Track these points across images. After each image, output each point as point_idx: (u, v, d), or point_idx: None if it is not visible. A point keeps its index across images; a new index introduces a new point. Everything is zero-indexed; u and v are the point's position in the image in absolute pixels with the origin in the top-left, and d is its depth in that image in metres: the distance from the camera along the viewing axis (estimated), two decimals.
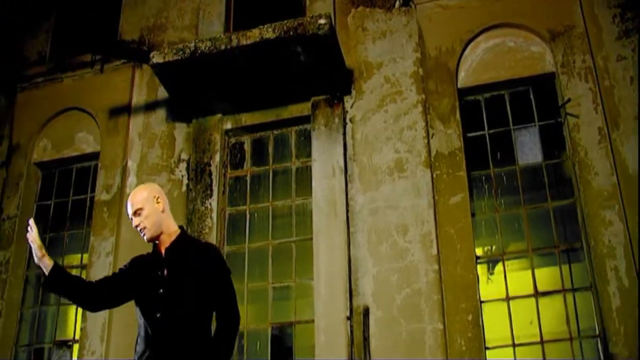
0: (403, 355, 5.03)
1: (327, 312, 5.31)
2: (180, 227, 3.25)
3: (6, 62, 7.84)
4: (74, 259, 6.56)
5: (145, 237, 3.15)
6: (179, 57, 5.85)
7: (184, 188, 6.24)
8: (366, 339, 5.17)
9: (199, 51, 5.80)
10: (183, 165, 6.37)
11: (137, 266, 3.22)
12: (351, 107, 5.98)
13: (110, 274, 3.52)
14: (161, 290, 3.02)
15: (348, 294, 5.32)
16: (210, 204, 6.03)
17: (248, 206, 6.06)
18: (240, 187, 6.19)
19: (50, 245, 6.67)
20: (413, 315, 5.12)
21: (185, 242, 3.19)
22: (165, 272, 3.07)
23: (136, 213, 3.14)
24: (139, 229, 3.15)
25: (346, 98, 6.02)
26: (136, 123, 6.76)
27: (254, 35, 5.69)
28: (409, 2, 6.14)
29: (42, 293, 6.51)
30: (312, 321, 5.36)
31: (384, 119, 5.82)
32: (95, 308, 3.24)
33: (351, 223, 5.55)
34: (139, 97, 6.88)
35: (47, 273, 3.14)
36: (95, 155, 6.79)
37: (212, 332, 2.99)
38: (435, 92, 5.75)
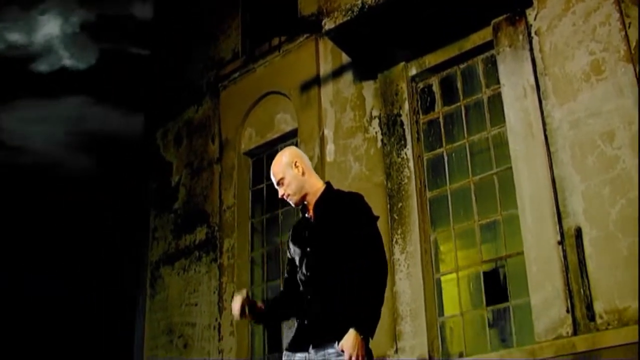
0: (625, 273, 5.50)
1: (537, 240, 6.02)
2: (326, 183, 3.76)
3: (209, 68, 9.98)
4: None
5: (292, 203, 3.69)
6: (349, 18, 7.10)
7: (379, 144, 7.44)
8: (582, 262, 5.76)
9: (367, 6, 6.98)
10: (375, 122, 7.58)
11: (292, 235, 3.79)
12: (534, 19, 6.62)
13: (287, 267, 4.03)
14: (309, 249, 3.56)
15: (556, 217, 5.96)
16: (406, 154, 7.13)
17: (444, 148, 7.03)
18: (433, 131, 7.19)
19: (268, 226, 8.44)
20: (632, 227, 5.57)
21: (330, 196, 3.67)
22: (313, 230, 3.61)
23: (279, 183, 3.68)
24: (285, 197, 3.68)
25: (528, 11, 6.68)
26: (326, 92, 8.18)
27: None
28: None
29: (268, 271, 8.23)
30: (523, 252, 6.11)
31: (572, 21, 6.37)
32: None
33: (550, 142, 6.19)
34: (325, 67, 8.31)
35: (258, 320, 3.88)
36: (294, 132, 8.38)
37: (363, 283, 3.38)
38: None
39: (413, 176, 7.00)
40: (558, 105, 6.26)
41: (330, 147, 7.89)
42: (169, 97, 10.58)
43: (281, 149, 8.40)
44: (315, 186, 3.71)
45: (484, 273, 6.45)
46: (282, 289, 3.87)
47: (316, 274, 3.52)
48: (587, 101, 6.10)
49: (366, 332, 3.28)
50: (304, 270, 3.59)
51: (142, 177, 10.44)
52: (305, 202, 3.72)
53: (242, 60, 9.38)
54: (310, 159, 7.90)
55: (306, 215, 3.74)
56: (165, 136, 10.30)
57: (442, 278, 6.74)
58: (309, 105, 8.26)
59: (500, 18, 6.80)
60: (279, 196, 3.74)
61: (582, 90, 6.16)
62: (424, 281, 6.61)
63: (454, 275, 6.65)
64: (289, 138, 8.49)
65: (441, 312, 6.63)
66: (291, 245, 3.78)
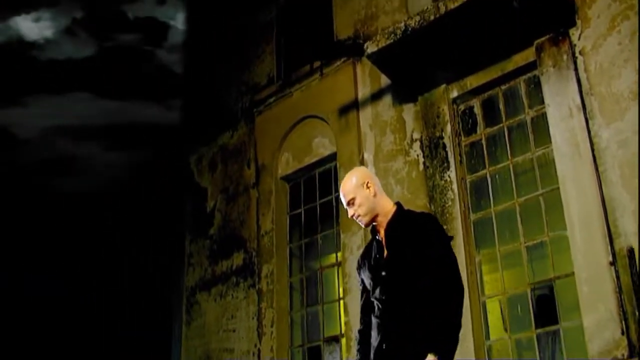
0: None
1: (587, 261, 6.00)
2: (397, 203, 3.82)
3: (243, 93, 10.12)
4: (329, 259, 8.21)
5: (362, 224, 3.76)
6: (392, 41, 7.20)
7: (421, 167, 7.48)
8: (635, 283, 5.72)
9: (410, 29, 7.07)
10: (416, 145, 7.63)
11: (363, 259, 3.83)
12: (578, 38, 6.67)
13: (359, 288, 4.06)
14: (384, 273, 3.59)
15: (607, 238, 5.94)
16: (449, 176, 7.16)
17: (488, 169, 7.05)
18: (476, 152, 7.22)
19: (307, 250, 8.48)
20: None
21: (402, 218, 3.71)
22: (386, 253, 3.63)
23: (349, 203, 3.72)
24: (355, 217, 3.74)
25: (571, 31, 6.73)
26: (365, 116, 8.26)
27: None
28: None
29: (307, 296, 8.25)
30: (573, 274, 6.09)
31: (618, 40, 6.40)
32: None
33: (599, 162, 6.20)
34: (363, 90, 8.40)
35: None
36: (332, 157, 8.45)
37: (439, 304, 3.43)
38: None
39: (457, 198, 7.02)
40: (605, 125, 6.27)
41: (370, 170, 7.91)
42: (202, 122, 10.73)
43: (319, 173, 8.68)
44: (386, 207, 3.75)
45: (532, 295, 6.42)
46: (361, 315, 3.86)
47: (393, 298, 3.53)
48: (635, 120, 6.10)
49: (445, 356, 3.31)
50: (377, 295, 3.60)
51: (176, 203, 10.55)
52: (375, 223, 3.74)
53: (277, 84, 9.50)
54: None
55: (377, 237, 3.75)
56: (199, 162, 10.43)
57: (488, 300, 6.72)
58: (348, 129, 8.34)
59: (543, 38, 6.85)
60: (349, 216, 3.79)
61: (629, 109, 6.17)
62: (470, 304, 6.59)
63: (500, 297, 6.64)
64: (328, 162, 8.56)
65: (487, 335, 6.60)
66: (362, 268, 3.80)
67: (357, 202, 3.69)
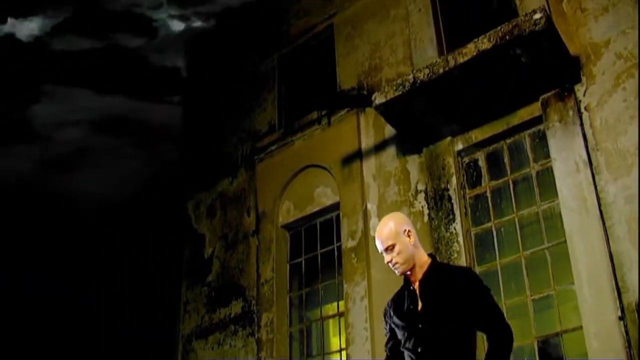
0: None
1: (596, 315, 6.03)
2: (430, 255, 3.82)
3: (243, 140, 10.19)
4: (331, 309, 8.18)
5: (398, 272, 3.72)
6: (400, 92, 7.30)
7: (426, 218, 7.53)
8: None
9: (418, 81, 7.19)
10: (421, 196, 7.69)
11: (393, 307, 3.82)
12: (584, 95, 6.82)
13: (386, 335, 3.98)
14: (420, 325, 3.56)
15: (616, 293, 5.99)
16: (455, 228, 7.21)
17: (493, 222, 7.11)
18: (481, 205, 7.29)
19: (307, 299, 8.45)
20: None
21: (438, 271, 3.71)
22: (421, 305, 3.61)
23: (387, 249, 3.69)
24: (391, 264, 3.71)
25: (577, 87, 6.88)
26: (369, 166, 8.33)
27: (469, 50, 6.92)
28: None
29: (307, 346, 8.19)
30: (580, 328, 6.12)
31: (623, 97, 6.55)
32: None
33: (606, 217, 6.28)
34: (367, 141, 8.49)
35: None
36: (335, 206, 8.48)
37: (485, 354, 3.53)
38: None
39: (462, 250, 7.06)
40: (612, 180, 6.37)
41: (374, 222, 7.97)
42: (201, 168, 10.76)
43: (321, 223, 8.69)
44: (422, 258, 3.74)
45: (539, 348, 6.43)
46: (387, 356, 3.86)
47: (430, 351, 3.50)
48: None
49: None
50: (410, 346, 3.58)
51: (173, 249, 10.51)
52: (408, 273, 3.73)
53: (279, 132, 9.58)
54: (354, 233, 8.10)
55: (411, 287, 3.73)
56: (197, 208, 10.42)
57: None
58: (351, 179, 8.40)
59: (549, 94, 6.99)
60: (385, 262, 3.76)
61: (636, 165, 6.28)
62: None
63: None
64: (330, 212, 8.59)
65: None
66: (391, 316, 3.80)
67: (396, 249, 3.66)
